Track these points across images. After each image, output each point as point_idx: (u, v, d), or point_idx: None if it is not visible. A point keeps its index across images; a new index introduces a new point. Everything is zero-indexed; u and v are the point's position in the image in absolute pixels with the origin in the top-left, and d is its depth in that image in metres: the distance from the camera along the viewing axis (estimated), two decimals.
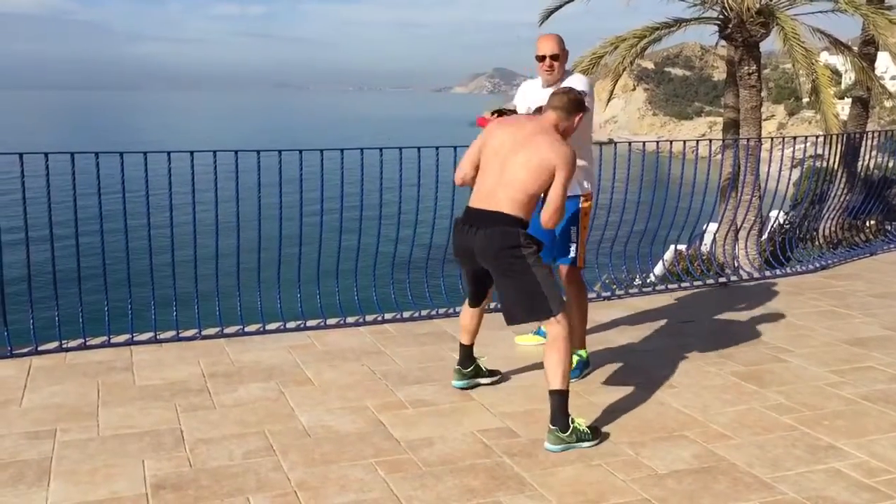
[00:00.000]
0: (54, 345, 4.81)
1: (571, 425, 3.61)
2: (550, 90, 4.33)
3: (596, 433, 3.68)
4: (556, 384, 3.63)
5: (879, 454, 3.50)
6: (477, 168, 3.92)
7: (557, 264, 4.57)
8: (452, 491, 3.22)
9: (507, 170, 3.75)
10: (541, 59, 4.38)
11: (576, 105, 3.86)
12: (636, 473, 3.36)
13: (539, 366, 4.55)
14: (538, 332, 4.97)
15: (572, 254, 4.48)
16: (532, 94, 4.51)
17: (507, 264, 3.74)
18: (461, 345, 4.34)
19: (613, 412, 4.00)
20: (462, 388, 4.28)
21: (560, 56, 4.38)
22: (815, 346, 4.97)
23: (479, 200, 3.82)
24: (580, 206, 4.44)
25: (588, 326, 5.28)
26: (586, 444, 3.62)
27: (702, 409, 4.01)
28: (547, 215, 3.75)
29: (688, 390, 4.27)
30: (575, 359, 4.51)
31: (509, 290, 3.81)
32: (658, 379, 4.44)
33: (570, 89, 3.98)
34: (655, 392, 4.26)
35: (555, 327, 3.70)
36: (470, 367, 4.33)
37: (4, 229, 4.92)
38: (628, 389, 4.30)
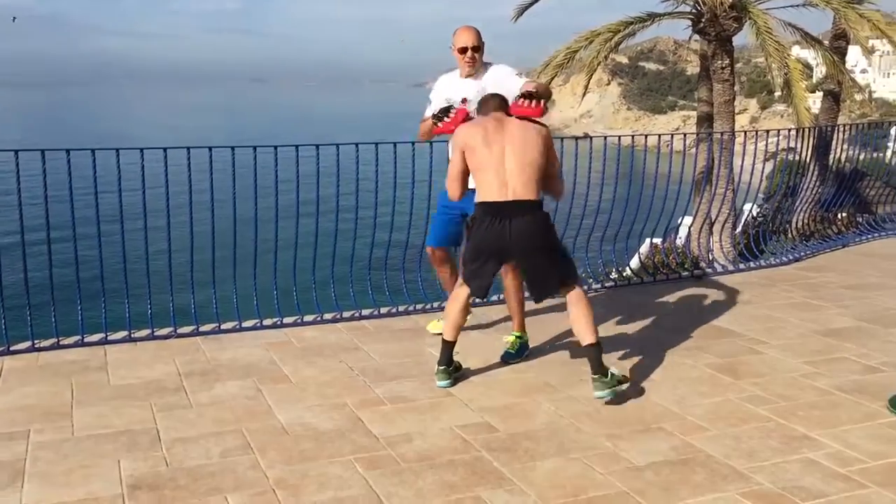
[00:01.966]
0: (27, 345, 4.74)
1: (609, 371, 4.03)
2: (470, 81, 4.60)
3: (626, 378, 4.13)
4: (592, 338, 4.06)
5: (853, 444, 3.55)
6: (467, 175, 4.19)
7: None
8: (432, 487, 3.22)
9: (514, 158, 4.04)
10: (463, 50, 4.55)
11: (505, 102, 4.26)
12: (615, 466, 3.38)
13: (519, 361, 4.60)
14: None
15: None
16: (452, 86, 4.67)
17: (551, 244, 4.15)
18: (448, 343, 4.29)
19: (590, 405, 4.01)
20: (448, 388, 4.25)
21: (480, 48, 4.57)
22: (789, 338, 5.02)
23: (499, 194, 4.03)
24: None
25: (559, 319, 5.32)
26: (624, 386, 4.07)
27: (678, 402, 4.04)
28: (560, 187, 4.34)
29: (665, 383, 4.30)
30: (518, 342, 4.69)
31: (551, 268, 4.15)
32: (635, 372, 4.46)
33: (495, 95, 4.32)
34: (632, 384, 4.27)
35: (578, 290, 4.16)
36: (453, 365, 4.33)
37: None
38: None
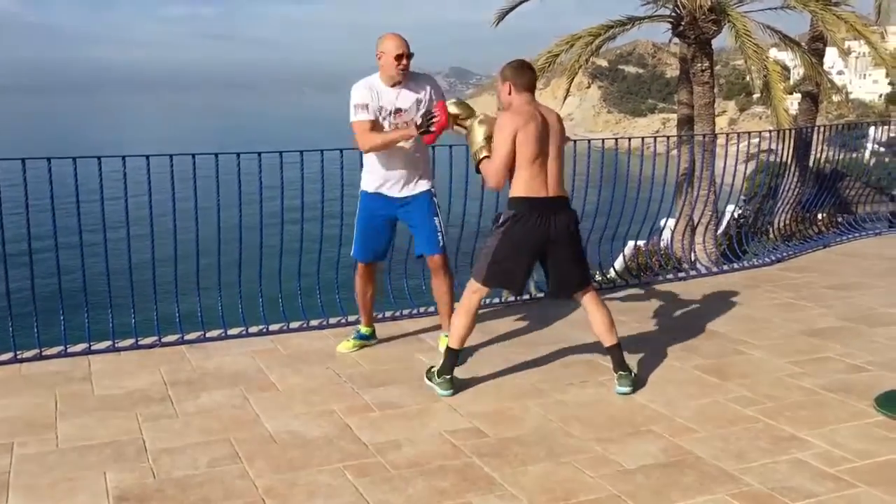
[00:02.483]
0: (8, 356, 4.68)
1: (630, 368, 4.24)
2: (404, 91, 4.55)
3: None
4: (615, 339, 4.21)
5: (840, 443, 3.56)
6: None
7: (428, 256, 4.74)
8: (422, 493, 3.20)
9: (554, 153, 4.11)
10: (399, 57, 4.46)
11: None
12: (605, 469, 3.38)
13: (509, 366, 4.59)
14: (358, 337, 4.97)
15: (441, 242, 4.71)
16: (385, 95, 4.54)
17: (577, 240, 4.22)
18: (455, 352, 4.24)
19: (579, 408, 4.02)
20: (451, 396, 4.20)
21: (412, 55, 4.53)
22: (774, 339, 5.05)
23: (543, 190, 4.08)
24: (434, 197, 4.75)
25: (550, 323, 5.33)
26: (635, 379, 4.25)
27: (667, 404, 4.05)
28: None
29: (652, 385, 4.31)
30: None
31: (576, 266, 4.22)
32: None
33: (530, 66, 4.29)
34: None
35: (594, 291, 4.27)
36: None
37: None
38: (593, 385, 4.32)
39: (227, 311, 5.28)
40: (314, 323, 5.40)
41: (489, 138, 4.17)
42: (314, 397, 4.20)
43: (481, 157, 4.19)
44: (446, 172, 5.68)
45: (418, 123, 4.43)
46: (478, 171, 4.29)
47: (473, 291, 4.24)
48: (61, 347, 4.81)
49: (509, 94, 4.16)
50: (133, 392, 4.25)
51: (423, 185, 4.72)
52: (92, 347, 4.86)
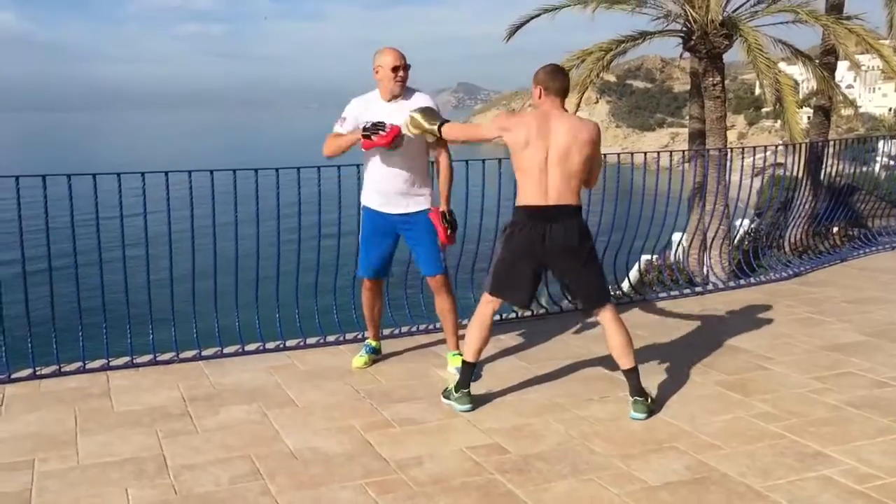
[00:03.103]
0: (28, 372, 4.68)
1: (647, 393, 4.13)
2: (397, 103, 4.51)
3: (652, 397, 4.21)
4: (632, 362, 4.09)
5: (868, 460, 3.52)
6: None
7: (427, 276, 4.74)
8: None
9: (557, 161, 3.97)
10: (396, 69, 4.45)
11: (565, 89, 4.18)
12: (629, 487, 3.34)
13: (527, 382, 4.57)
14: (369, 350, 4.97)
15: (442, 262, 4.71)
16: (375, 110, 4.53)
17: (587, 252, 4.10)
18: (470, 365, 4.23)
19: (601, 424, 3.99)
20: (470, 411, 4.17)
21: (409, 67, 4.53)
22: (795, 354, 5.00)
23: (540, 198, 3.99)
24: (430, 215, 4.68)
25: (567, 338, 5.31)
26: (652, 405, 4.13)
27: (689, 420, 4.01)
28: (595, 178, 4.25)
29: (674, 401, 4.27)
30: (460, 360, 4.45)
31: (585, 279, 4.14)
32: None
33: (563, 72, 4.24)
34: None
35: (611, 311, 4.12)
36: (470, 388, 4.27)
37: None
38: (613, 401, 4.29)
39: (243, 327, 5.28)
40: (331, 338, 5.39)
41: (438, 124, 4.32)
42: (333, 413, 4.18)
43: (438, 124, 4.31)
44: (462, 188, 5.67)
45: (365, 127, 4.40)
46: (439, 138, 4.41)
47: (485, 303, 4.23)
48: (80, 363, 4.80)
49: (539, 97, 4.12)
50: (153, 408, 4.24)
51: (422, 203, 4.65)
52: (110, 363, 4.86)
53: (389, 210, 4.65)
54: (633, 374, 4.09)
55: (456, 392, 4.21)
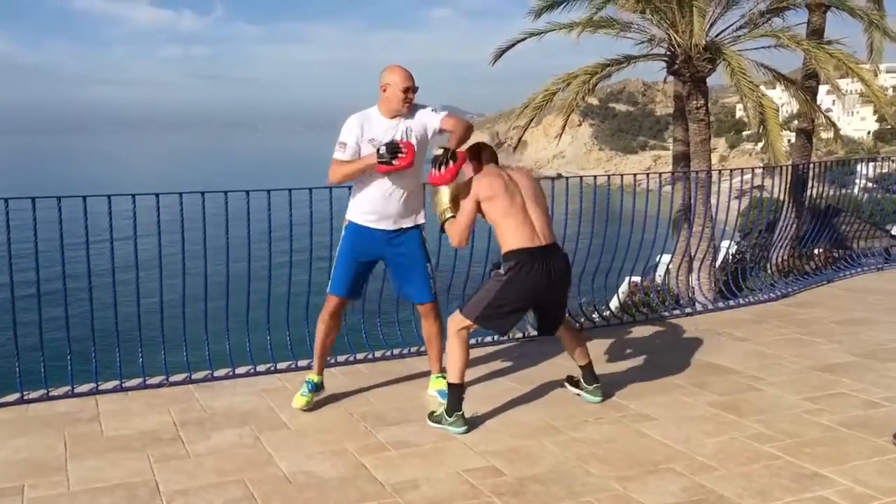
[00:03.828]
0: (15, 396, 4.62)
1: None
2: (393, 122, 4.40)
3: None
4: (589, 357, 4.62)
5: (863, 480, 3.53)
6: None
7: (418, 303, 4.67)
8: None
9: (534, 205, 4.25)
10: (406, 90, 4.36)
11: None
12: None
13: (521, 404, 4.56)
14: (312, 388, 4.63)
15: (433, 289, 4.66)
16: (377, 127, 4.41)
17: (568, 283, 4.48)
18: (458, 386, 4.24)
19: (596, 446, 3.97)
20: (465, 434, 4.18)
21: (417, 89, 4.43)
22: (787, 374, 5.02)
23: (535, 239, 4.20)
24: (424, 239, 4.64)
25: (557, 360, 5.30)
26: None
27: (684, 441, 4.00)
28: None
29: (668, 422, 4.27)
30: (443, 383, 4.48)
31: (564, 306, 4.53)
32: (636, 411, 4.44)
33: (487, 145, 4.54)
34: (635, 424, 4.25)
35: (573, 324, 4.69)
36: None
37: None
38: (608, 422, 4.28)
39: (233, 350, 5.22)
40: None
41: (455, 200, 4.34)
42: (327, 436, 4.15)
43: (447, 217, 4.36)
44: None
45: (380, 152, 4.26)
46: (442, 230, 4.44)
47: (462, 327, 4.26)
48: (68, 388, 4.74)
49: (482, 164, 4.40)
50: (143, 432, 4.19)
51: (415, 220, 4.58)
52: (99, 387, 4.80)
53: (382, 226, 4.52)
54: (590, 366, 4.59)
55: (449, 416, 4.19)
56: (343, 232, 4.62)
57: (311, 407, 4.53)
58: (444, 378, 4.52)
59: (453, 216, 4.34)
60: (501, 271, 4.20)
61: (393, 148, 4.24)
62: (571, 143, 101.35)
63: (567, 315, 4.61)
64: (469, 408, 4.34)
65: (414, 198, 4.59)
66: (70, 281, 4.70)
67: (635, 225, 6.90)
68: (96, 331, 4.95)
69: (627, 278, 8.20)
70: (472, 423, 4.24)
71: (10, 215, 4.51)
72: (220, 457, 3.89)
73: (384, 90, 4.40)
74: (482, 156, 4.42)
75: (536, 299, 4.28)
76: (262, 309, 5.40)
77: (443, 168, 4.17)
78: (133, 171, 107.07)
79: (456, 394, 4.22)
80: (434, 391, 4.72)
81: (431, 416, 4.30)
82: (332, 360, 5.33)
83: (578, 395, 4.63)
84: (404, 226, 4.57)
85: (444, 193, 4.37)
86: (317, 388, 4.63)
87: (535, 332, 5.97)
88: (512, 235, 4.18)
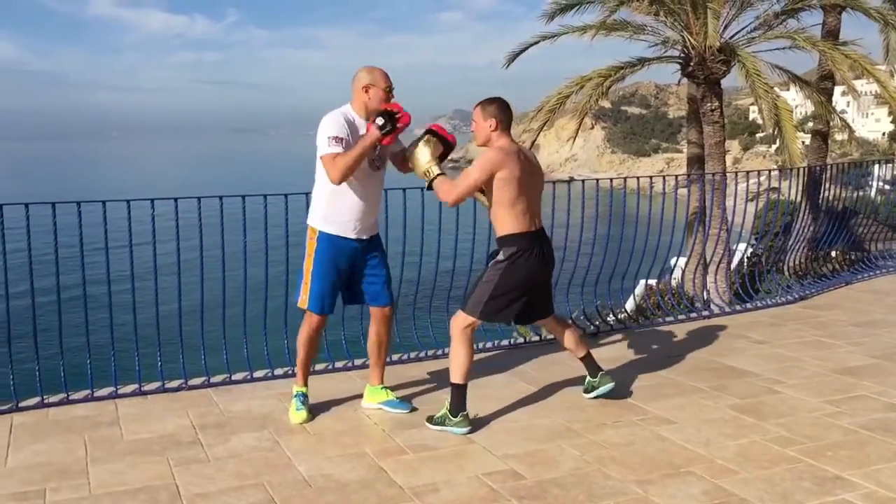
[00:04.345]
0: (35, 400, 4.64)
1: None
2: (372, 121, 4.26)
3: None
4: (587, 348, 4.65)
5: (886, 483, 3.50)
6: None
7: (380, 307, 4.53)
8: None
9: (537, 192, 4.29)
10: (390, 90, 4.30)
11: None
12: None
13: (539, 407, 4.55)
14: (304, 400, 4.52)
15: (392, 292, 4.60)
16: (361, 127, 4.29)
17: (553, 265, 4.45)
18: (462, 387, 4.24)
19: (615, 449, 3.96)
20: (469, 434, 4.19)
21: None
22: (806, 377, 4.99)
23: (532, 224, 4.24)
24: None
25: (573, 363, 5.27)
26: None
27: (704, 444, 3.98)
28: None
29: (687, 425, 4.25)
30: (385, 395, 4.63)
31: (550, 291, 4.55)
32: (654, 414, 4.42)
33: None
34: (654, 427, 4.23)
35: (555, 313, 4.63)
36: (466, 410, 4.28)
37: None
38: (627, 425, 4.27)
39: (251, 354, 5.25)
40: (339, 364, 5.36)
41: (439, 158, 4.29)
42: (345, 439, 4.15)
43: (435, 174, 4.24)
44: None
45: (380, 124, 4.15)
46: (429, 187, 4.30)
47: (467, 325, 4.25)
48: (88, 391, 4.77)
49: (493, 130, 4.23)
50: (163, 436, 4.21)
51: (376, 226, 4.52)
52: (118, 391, 4.82)
53: (362, 235, 4.39)
54: (590, 356, 4.62)
55: (455, 416, 4.20)
56: (315, 244, 4.35)
57: (308, 419, 4.41)
58: (387, 389, 4.62)
59: (442, 173, 4.23)
60: (501, 257, 4.20)
61: (388, 115, 4.17)
62: (584, 147, 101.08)
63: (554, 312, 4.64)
64: (486, 409, 4.34)
65: (380, 198, 4.52)
66: (89, 286, 4.73)
67: (649, 228, 6.86)
68: (115, 335, 4.96)
69: (643, 281, 8.16)
70: (489, 427, 4.23)
71: (28, 220, 4.53)
72: (240, 460, 3.90)
73: (366, 91, 4.28)
74: (505, 118, 4.25)
75: (532, 284, 4.29)
76: (280, 313, 5.42)
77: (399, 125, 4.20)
78: (148, 176, 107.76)
79: (460, 393, 4.24)
80: (377, 404, 4.60)
81: (431, 419, 4.30)
82: (350, 364, 5.34)
83: (597, 397, 4.60)
84: (374, 233, 4.49)
85: (423, 152, 4.27)
86: (306, 398, 4.52)
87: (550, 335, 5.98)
88: (515, 220, 4.18)
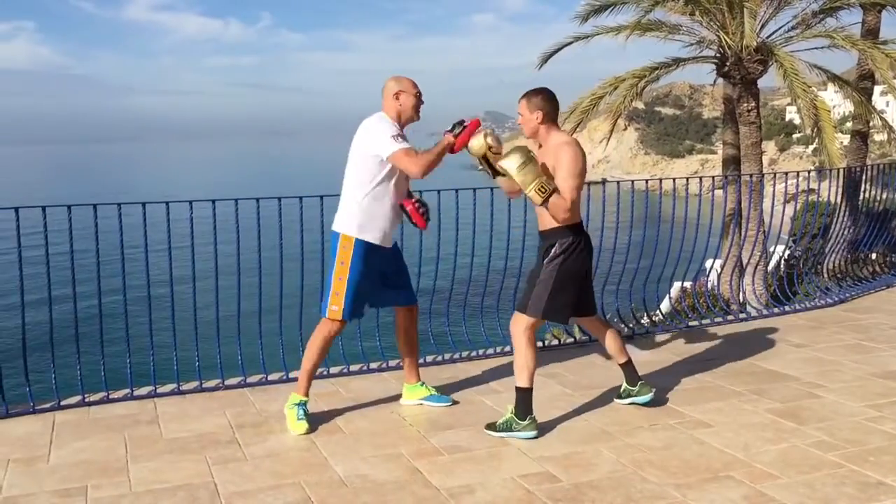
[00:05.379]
0: (76, 399, 4.73)
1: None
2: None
3: None
4: (628, 355, 4.59)
5: None
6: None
7: (409, 307, 4.59)
8: None
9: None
10: (420, 96, 4.36)
11: None
12: None
13: (574, 410, 4.54)
14: (305, 410, 4.43)
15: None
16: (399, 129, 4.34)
17: None
18: (528, 390, 4.18)
19: (652, 452, 3.93)
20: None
21: None
22: (847, 381, 4.91)
23: (580, 214, 4.27)
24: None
25: (608, 366, 5.25)
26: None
27: (743, 448, 3.94)
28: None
29: (726, 428, 4.20)
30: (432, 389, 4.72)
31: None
32: (691, 417, 4.38)
33: None
34: (692, 431, 4.19)
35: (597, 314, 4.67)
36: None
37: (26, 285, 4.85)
38: (663, 429, 4.23)
39: (286, 355, 5.29)
40: (373, 366, 5.38)
41: (541, 168, 4.05)
42: (381, 440, 4.17)
43: (551, 188, 4.01)
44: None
45: (456, 132, 4.23)
46: (544, 203, 4.03)
47: (530, 326, 4.20)
48: (127, 390, 4.84)
49: (540, 122, 4.18)
50: (201, 435, 4.25)
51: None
52: (157, 390, 4.89)
53: (388, 243, 4.42)
54: (630, 364, 4.56)
55: (523, 420, 4.14)
56: (351, 253, 4.30)
57: (310, 430, 4.31)
58: (425, 386, 4.65)
59: (556, 188, 4.04)
60: (558, 250, 4.14)
61: (459, 123, 4.27)
62: (617, 148, 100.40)
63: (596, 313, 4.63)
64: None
65: None
66: (128, 288, 4.81)
67: (683, 229, 6.80)
68: (154, 336, 5.03)
69: (678, 283, 8.08)
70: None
71: (54, 223, 4.62)
72: (277, 459, 3.93)
73: (396, 98, 4.32)
74: (552, 109, 4.22)
75: (582, 278, 4.29)
76: (315, 315, 5.45)
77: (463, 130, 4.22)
78: (187, 178, 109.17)
79: (527, 396, 4.18)
80: (417, 400, 4.67)
81: (494, 426, 4.22)
82: (385, 366, 5.36)
83: (632, 403, 4.55)
84: (395, 239, 4.55)
85: (530, 170, 3.98)
86: (306, 407, 4.44)
87: (586, 337, 5.95)
88: (573, 211, 4.09)
